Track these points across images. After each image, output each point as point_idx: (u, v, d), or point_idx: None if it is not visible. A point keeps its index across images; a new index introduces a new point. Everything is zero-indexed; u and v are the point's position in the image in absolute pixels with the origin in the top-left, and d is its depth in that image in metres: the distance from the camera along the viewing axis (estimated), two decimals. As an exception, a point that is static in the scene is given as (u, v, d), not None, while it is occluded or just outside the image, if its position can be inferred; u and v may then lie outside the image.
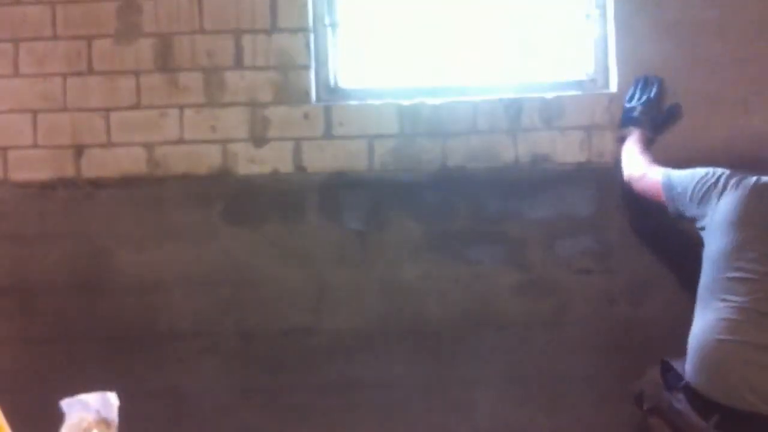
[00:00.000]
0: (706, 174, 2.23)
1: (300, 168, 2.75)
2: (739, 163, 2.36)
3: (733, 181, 2.16)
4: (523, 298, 2.70)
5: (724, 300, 2.05)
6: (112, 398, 1.58)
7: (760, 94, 2.68)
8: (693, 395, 2.05)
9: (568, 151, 2.71)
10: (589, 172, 2.70)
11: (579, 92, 2.76)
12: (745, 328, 1.99)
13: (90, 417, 1.54)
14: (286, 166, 2.75)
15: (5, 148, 2.79)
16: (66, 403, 1.56)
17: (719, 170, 2.23)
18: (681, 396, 2.09)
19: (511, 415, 2.70)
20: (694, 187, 2.23)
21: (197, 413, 2.72)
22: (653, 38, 2.68)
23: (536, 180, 2.71)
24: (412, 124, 2.74)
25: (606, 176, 2.69)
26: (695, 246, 2.31)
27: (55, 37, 2.78)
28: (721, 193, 2.16)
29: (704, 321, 2.08)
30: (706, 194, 2.20)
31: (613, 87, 2.73)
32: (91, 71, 2.77)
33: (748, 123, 2.67)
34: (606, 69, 2.77)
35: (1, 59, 2.79)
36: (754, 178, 2.15)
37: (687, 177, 2.27)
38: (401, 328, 2.72)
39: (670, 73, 2.68)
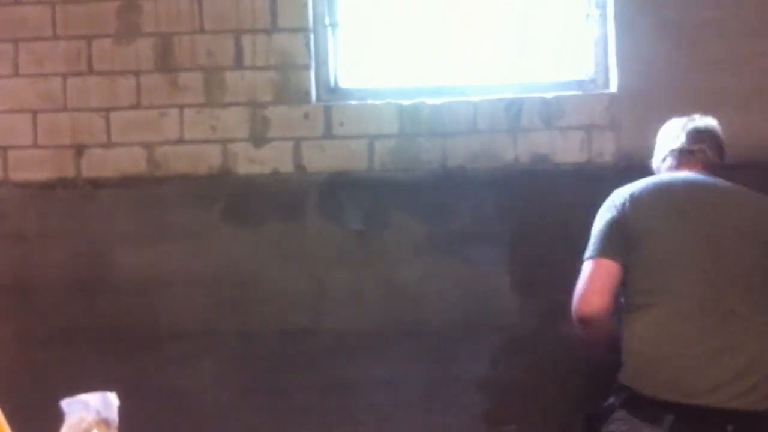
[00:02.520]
0: (603, 221, 2.15)
1: (300, 168, 2.75)
2: (739, 163, 2.35)
3: (619, 203, 2.12)
4: (523, 298, 2.70)
5: (666, 299, 2.02)
6: (112, 398, 1.58)
7: (760, 94, 2.68)
8: (639, 405, 1.99)
9: (568, 151, 2.71)
10: (589, 172, 2.70)
11: (579, 92, 2.75)
12: (696, 326, 1.97)
13: (90, 417, 1.53)
14: (286, 166, 2.75)
15: (5, 148, 2.80)
16: (66, 403, 1.55)
17: (605, 211, 2.16)
18: (622, 413, 2.02)
19: (511, 415, 2.69)
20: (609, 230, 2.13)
21: (197, 413, 2.72)
22: (653, 38, 2.68)
23: (536, 180, 2.71)
24: (412, 124, 2.74)
25: (606, 176, 2.68)
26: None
27: (55, 37, 2.78)
28: (623, 213, 2.11)
29: (647, 322, 2.03)
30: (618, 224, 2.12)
31: (613, 87, 2.73)
32: (91, 71, 2.78)
33: (748, 123, 2.67)
34: (606, 69, 2.76)
35: (1, 59, 2.79)
36: (629, 191, 2.12)
37: (597, 233, 2.16)
38: (401, 328, 2.72)
39: (671, 73, 2.68)
